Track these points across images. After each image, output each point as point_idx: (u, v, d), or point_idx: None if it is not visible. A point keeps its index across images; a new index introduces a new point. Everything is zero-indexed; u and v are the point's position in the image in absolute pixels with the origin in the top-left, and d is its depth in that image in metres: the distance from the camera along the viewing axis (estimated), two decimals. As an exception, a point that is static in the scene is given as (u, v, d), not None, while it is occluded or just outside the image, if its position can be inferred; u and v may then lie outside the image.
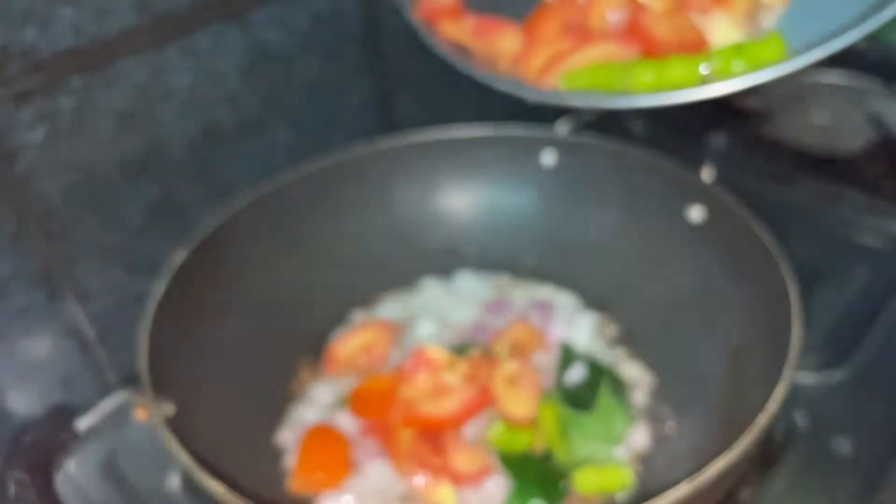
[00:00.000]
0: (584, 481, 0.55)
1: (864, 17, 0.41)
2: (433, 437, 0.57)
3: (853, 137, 0.81)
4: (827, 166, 0.79)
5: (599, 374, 0.62)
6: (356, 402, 0.60)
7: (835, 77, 0.84)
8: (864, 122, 0.82)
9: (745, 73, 0.43)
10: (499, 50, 0.51)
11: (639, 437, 0.59)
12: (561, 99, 0.48)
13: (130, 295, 0.65)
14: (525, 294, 0.70)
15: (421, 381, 0.60)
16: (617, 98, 0.47)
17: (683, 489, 0.41)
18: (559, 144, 0.71)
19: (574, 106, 0.48)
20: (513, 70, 0.50)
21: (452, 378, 0.60)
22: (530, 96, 0.48)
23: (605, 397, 0.60)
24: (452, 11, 0.53)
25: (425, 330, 0.67)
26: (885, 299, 0.67)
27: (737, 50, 0.44)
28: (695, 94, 0.44)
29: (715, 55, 0.44)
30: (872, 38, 0.78)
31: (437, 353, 0.62)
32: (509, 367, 0.61)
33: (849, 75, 0.84)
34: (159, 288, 0.56)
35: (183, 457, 0.45)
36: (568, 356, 0.64)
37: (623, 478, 0.56)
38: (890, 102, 0.82)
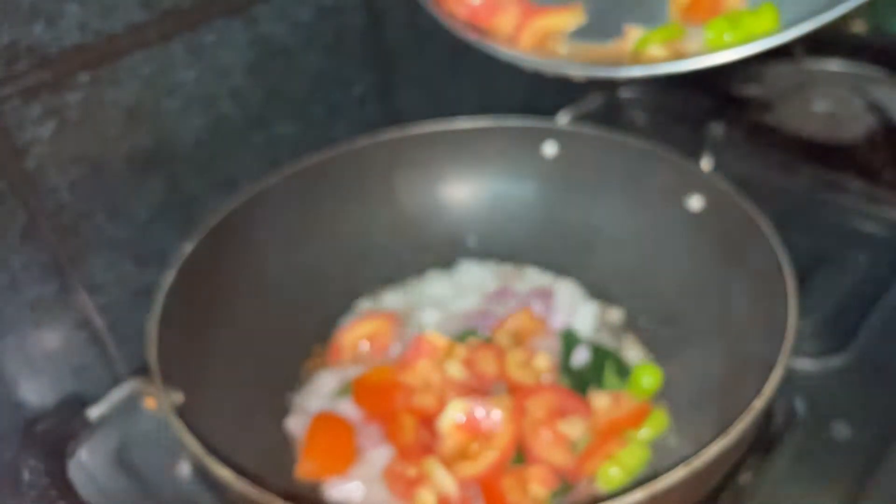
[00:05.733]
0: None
1: None
2: (434, 426, 0.58)
3: (853, 125, 0.81)
4: (827, 154, 0.79)
5: (604, 356, 0.63)
6: (358, 392, 0.61)
7: (835, 65, 0.84)
8: (865, 109, 0.82)
9: (738, 43, 0.43)
10: (496, 28, 0.52)
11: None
12: (556, 67, 0.49)
13: (139, 286, 0.65)
14: (527, 283, 0.71)
15: (422, 369, 0.61)
16: (613, 68, 0.47)
17: (680, 472, 0.42)
18: (560, 135, 0.71)
19: (568, 74, 0.49)
20: (510, 43, 0.51)
21: (454, 369, 0.61)
22: (528, 65, 0.49)
23: (610, 379, 0.61)
24: None
25: (429, 318, 0.68)
26: (885, 286, 0.67)
27: (730, 20, 0.44)
28: (689, 65, 0.44)
29: (709, 26, 0.44)
30: (872, 25, 0.79)
31: (438, 339, 0.63)
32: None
33: (849, 63, 0.83)
34: (167, 279, 0.56)
35: (192, 444, 0.46)
36: (570, 341, 0.65)
37: (643, 457, 0.56)
38: (890, 90, 0.82)
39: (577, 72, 0.50)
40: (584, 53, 0.51)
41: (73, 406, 0.54)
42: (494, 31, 0.52)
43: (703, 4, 0.47)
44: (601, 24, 0.52)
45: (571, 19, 0.53)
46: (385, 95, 0.80)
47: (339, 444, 0.57)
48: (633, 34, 0.50)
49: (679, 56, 0.46)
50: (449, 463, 0.55)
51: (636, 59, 0.48)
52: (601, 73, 0.48)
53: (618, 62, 0.48)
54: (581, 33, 0.52)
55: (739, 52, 0.43)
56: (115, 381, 0.64)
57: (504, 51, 0.51)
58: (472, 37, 0.53)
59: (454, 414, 0.57)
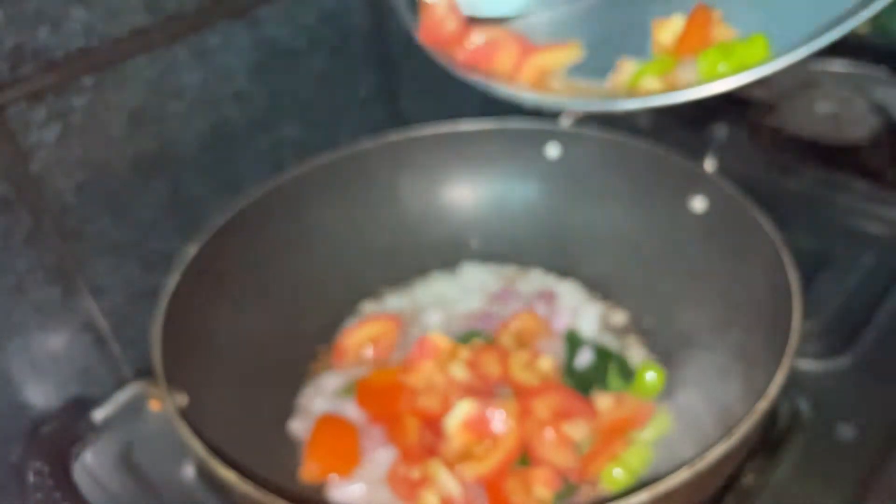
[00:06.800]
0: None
1: (847, 14, 0.42)
2: (438, 427, 0.58)
3: (857, 126, 0.81)
4: (830, 155, 0.78)
5: (607, 357, 0.63)
6: (362, 394, 0.61)
7: (838, 65, 0.84)
8: (868, 110, 0.82)
9: (731, 73, 0.44)
10: (497, 67, 0.53)
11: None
12: (555, 103, 0.50)
13: (143, 289, 0.66)
14: (530, 284, 0.71)
15: (426, 371, 0.61)
16: (609, 101, 0.48)
17: (683, 474, 0.41)
18: (563, 137, 0.71)
19: (567, 109, 0.50)
20: (510, 80, 0.52)
21: (458, 371, 0.61)
22: (527, 102, 0.50)
23: (613, 381, 0.61)
24: (455, 37, 0.55)
25: (432, 319, 0.68)
26: (889, 287, 0.67)
27: (723, 51, 0.45)
28: (685, 96, 0.45)
29: (701, 57, 0.45)
30: (876, 26, 0.79)
31: (442, 341, 0.63)
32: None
33: (852, 64, 0.83)
34: (171, 282, 0.56)
35: (196, 446, 0.46)
36: (574, 342, 0.65)
37: (646, 457, 0.56)
38: (894, 91, 0.82)
39: (576, 107, 0.51)
40: (580, 88, 0.52)
41: (78, 409, 0.55)
42: (494, 69, 0.53)
43: (694, 37, 0.48)
44: (595, 60, 0.53)
45: (569, 56, 0.53)
46: (389, 97, 0.80)
47: (343, 445, 0.58)
48: (627, 67, 0.51)
49: (674, 87, 0.47)
50: (453, 464, 0.55)
51: (632, 91, 0.49)
52: (598, 107, 0.49)
53: (614, 95, 0.49)
54: (576, 70, 0.53)
55: (733, 82, 0.44)
56: (120, 384, 0.64)
57: (504, 89, 0.52)
58: (472, 77, 0.54)
59: (461, 414, 0.57)
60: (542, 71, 0.53)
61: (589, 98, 0.50)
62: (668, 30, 0.50)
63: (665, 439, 0.58)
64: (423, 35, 0.56)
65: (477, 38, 0.54)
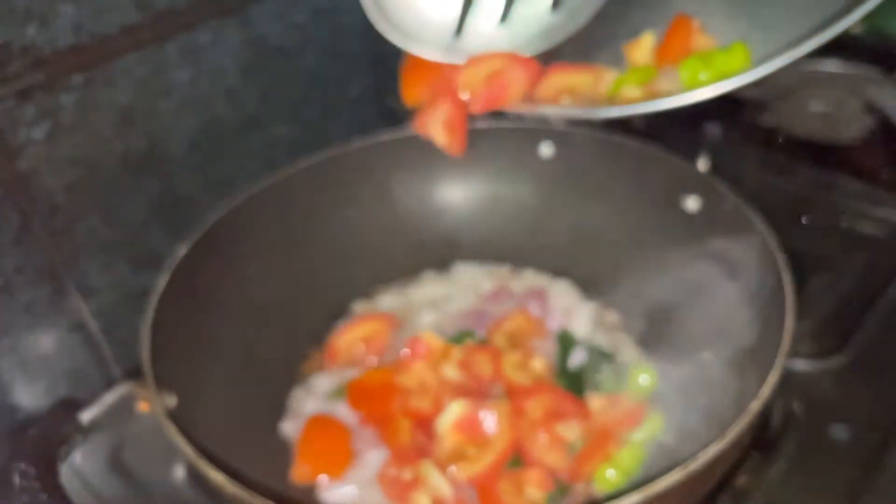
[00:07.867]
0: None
1: (826, 23, 0.42)
2: (430, 428, 0.58)
3: (850, 126, 0.81)
4: (824, 155, 0.78)
5: (600, 358, 0.63)
6: (353, 395, 0.61)
7: (832, 65, 0.84)
8: (862, 110, 0.81)
9: (712, 81, 0.44)
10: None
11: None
12: (536, 110, 0.50)
13: (133, 289, 0.65)
14: (524, 284, 0.71)
15: (418, 371, 0.61)
16: (590, 110, 0.49)
17: (676, 475, 0.41)
18: (556, 136, 0.71)
19: (547, 116, 0.50)
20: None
21: (450, 371, 0.61)
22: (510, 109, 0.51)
23: (606, 381, 0.61)
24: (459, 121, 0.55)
25: (425, 319, 0.67)
26: (882, 286, 0.67)
27: (703, 60, 0.45)
28: (666, 104, 0.45)
29: (683, 66, 0.45)
30: (869, 25, 0.78)
31: (434, 341, 0.63)
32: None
33: (846, 63, 0.83)
34: (161, 282, 0.56)
35: (185, 448, 0.46)
36: (567, 342, 0.65)
37: (639, 458, 0.56)
38: (887, 90, 0.82)
39: (556, 113, 0.51)
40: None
41: (67, 409, 0.54)
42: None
43: (675, 47, 0.48)
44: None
45: (591, 80, 0.53)
46: (381, 96, 0.80)
47: (335, 446, 0.57)
48: (608, 76, 0.51)
49: (654, 96, 0.47)
50: (445, 465, 0.55)
51: (613, 100, 0.49)
52: (579, 114, 0.49)
53: (594, 103, 0.49)
54: None
55: (715, 90, 0.44)
56: (109, 385, 0.64)
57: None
58: None
59: (453, 415, 0.57)
60: (566, 91, 0.53)
61: (569, 105, 0.50)
62: (641, 49, 0.51)
63: (658, 440, 0.58)
64: (419, 128, 0.55)
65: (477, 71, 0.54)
